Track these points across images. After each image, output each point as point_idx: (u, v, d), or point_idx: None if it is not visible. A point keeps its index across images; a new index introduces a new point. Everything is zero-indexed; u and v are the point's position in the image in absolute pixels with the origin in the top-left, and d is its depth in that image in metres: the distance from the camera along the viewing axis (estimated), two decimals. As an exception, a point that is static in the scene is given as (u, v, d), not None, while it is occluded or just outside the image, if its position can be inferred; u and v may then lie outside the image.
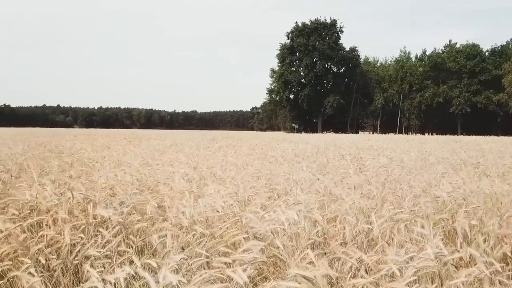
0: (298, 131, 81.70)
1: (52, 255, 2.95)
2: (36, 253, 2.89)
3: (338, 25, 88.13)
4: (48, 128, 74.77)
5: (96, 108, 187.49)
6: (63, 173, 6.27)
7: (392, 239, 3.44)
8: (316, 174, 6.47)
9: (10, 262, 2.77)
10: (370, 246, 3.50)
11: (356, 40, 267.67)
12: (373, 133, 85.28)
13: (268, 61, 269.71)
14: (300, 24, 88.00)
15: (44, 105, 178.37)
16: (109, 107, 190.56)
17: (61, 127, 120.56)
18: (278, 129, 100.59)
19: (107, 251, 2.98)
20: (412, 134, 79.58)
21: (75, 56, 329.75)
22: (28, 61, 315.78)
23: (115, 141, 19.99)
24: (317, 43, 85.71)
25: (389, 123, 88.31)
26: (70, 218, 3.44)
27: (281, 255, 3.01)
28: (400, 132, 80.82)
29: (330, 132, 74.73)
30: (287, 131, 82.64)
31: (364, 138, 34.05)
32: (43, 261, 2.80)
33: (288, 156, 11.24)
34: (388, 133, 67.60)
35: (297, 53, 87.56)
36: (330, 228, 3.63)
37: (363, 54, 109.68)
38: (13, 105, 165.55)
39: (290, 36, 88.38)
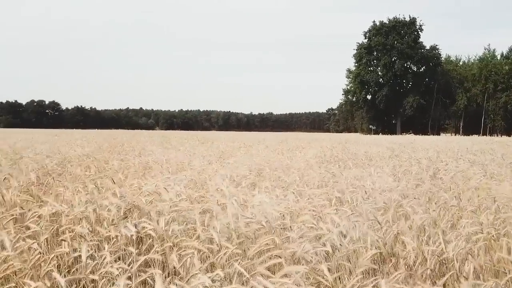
0: (376, 132, 79.44)
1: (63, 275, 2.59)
2: (46, 274, 2.54)
3: (417, 23, 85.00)
4: (130, 130, 77.62)
5: (176, 110, 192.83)
6: (116, 175, 6.02)
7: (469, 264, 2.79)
8: (387, 179, 5.83)
9: (13, 285, 2.43)
10: (441, 272, 2.88)
11: (437, 38, 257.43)
12: (455, 134, 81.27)
13: (345, 61, 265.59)
14: (378, 23, 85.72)
15: (128, 108, 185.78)
16: (189, 109, 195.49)
17: (143, 129, 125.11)
18: (355, 131, 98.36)
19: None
20: (497, 135, 74.93)
21: (159, 61, 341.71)
22: (114, 66, 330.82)
23: (187, 143, 20.05)
24: (395, 42, 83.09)
25: (472, 124, 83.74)
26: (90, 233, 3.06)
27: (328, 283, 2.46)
28: (484, 134, 76.45)
29: (410, 133, 71.86)
30: (364, 133, 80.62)
31: (445, 140, 32.27)
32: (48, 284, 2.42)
33: (359, 159, 10.58)
34: (471, 135, 64.07)
35: (375, 53, 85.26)
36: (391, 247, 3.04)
37: (443, 52, 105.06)
38: (99, 108, 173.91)
39: (367, 35, 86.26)
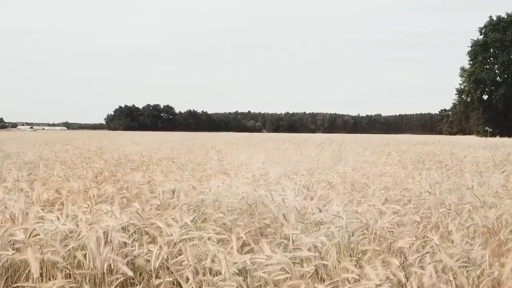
0: (492, 134, 74.04)
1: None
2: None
3: (539, 16, 78.09)
4: (237, 133, 79.42)
5: (283, 113, 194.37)
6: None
7: None
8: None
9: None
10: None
11: None
12: None
13: (458, 60, 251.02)
14: (494, 18, 79.97)
15: (237, 111, 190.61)
16: (295, 112, 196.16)
17: (250, 131, 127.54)
18: (470, 133, 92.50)
19: None
20: None
21: (266, 65, 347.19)
22: (225, 70, 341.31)
23: (284, 145, 19.95)
24: (515, 38, 77.01)
25: None
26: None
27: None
28: None
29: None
30: (479, 135, 75.51)
31: None
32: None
33: (467, 166, 9.71)
34: None
35: (491, 50, 79.64)
36: None
37: None
38: (209, 111, 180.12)
39: (483, 31, 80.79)
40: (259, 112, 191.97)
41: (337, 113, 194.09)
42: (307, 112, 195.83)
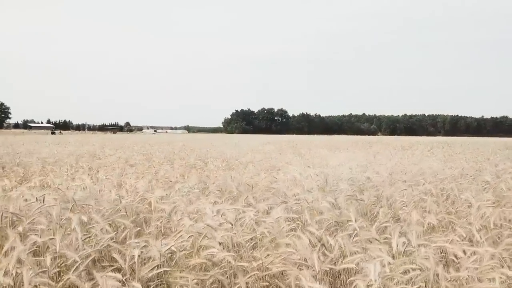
0: None
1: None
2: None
3: None
4: (347, 135, 77.85)
5: (400, 115, 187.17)
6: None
7: None
8: None
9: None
10: None
11: None
12: None
13: None
14: None
15: (351, 113, 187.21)
16: (413, 114, 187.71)
17: (365, 134, 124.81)
18: None
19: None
20: None
21: (381, 66, 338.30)
22: (338, 73, 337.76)
23: (394, 150, 18.68)
24: None
25: None
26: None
27: None
28: None
29: None
30: None
31: None
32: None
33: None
34: None
35: None
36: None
37: None
38: (323, 114, 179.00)
39: None
40: (374, 115, 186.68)
41: (459, 115, 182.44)
42: (426, 114, 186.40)
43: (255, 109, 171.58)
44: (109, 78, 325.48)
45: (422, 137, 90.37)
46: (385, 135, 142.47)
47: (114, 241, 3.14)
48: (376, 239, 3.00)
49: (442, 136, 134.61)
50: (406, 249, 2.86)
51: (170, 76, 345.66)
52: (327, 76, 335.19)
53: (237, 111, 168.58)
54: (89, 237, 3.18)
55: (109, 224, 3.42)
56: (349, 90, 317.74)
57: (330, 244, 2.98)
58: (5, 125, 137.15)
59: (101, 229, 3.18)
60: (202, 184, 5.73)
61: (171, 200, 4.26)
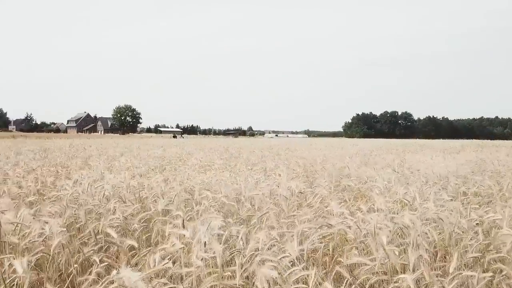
0: None
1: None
2: None
3: None
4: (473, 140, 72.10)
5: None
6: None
7: None
8: None
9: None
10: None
11: None
12: None
13: None
14: None
15: (482, 117, 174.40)
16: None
17: (497, 139, 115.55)
18: None
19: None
20: None
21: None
22: (468, 73, 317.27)
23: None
24: None
25: None
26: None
27: None
28: None
29: None
30: None
31: None
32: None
33: None
34: None
35: None
36: None
37: None
38: (451, 117, 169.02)
39: None
40: (508, 118, 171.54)
41: None
42: None
43: (377, 112, 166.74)
44: (236, 84, 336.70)
45: None
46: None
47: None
48: None
49: None
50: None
51: (293, 82, 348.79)
52: (455, 76, 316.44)
53: (358, 114, 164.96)
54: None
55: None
56: (480, 92, 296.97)
57: None
58: (138, 129, 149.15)
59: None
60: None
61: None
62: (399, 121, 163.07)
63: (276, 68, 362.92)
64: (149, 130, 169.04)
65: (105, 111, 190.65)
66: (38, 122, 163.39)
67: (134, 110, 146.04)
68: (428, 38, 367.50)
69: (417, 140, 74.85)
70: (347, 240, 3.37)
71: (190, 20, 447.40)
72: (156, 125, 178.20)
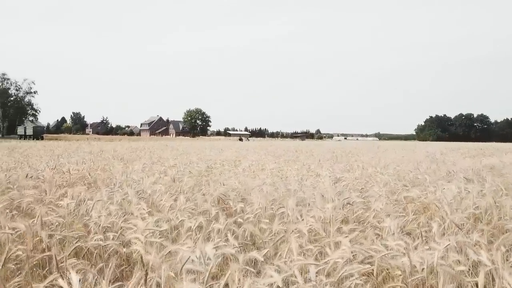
0: None
1: None
2: None
3: None
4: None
5: None
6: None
7: None
8: None
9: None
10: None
11: None
12: None
13: None
14: None
15: None
16: None
17: None
18: None
19: None
20: None
21: None
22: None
23: None
24: None
25: None
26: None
27: None
28: None
29: None
30: None
31: None
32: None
33: None
34: None
35: None
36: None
37: None
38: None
39: None
40: None
41: None
42: None
43: (452, 114, 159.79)
44: (305, 87, 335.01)
45: None
46: None
47: None
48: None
49: None
50: None
51: (363, 84, 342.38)
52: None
53: (431, 117, 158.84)
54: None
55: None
56: None
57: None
58: (208, 132, 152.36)
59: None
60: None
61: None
62: (475, 124, 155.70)
63: (346, 70, 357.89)
64: (218, 133, 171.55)
65: (178, 115, 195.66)
66: (114, 125, 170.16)
67: (204, 113, 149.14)
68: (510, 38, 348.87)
69: (494, 143, 70.74)
70: (392, 279, 2.47)
71: (253, 26, 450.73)
72: (225, 128, 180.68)
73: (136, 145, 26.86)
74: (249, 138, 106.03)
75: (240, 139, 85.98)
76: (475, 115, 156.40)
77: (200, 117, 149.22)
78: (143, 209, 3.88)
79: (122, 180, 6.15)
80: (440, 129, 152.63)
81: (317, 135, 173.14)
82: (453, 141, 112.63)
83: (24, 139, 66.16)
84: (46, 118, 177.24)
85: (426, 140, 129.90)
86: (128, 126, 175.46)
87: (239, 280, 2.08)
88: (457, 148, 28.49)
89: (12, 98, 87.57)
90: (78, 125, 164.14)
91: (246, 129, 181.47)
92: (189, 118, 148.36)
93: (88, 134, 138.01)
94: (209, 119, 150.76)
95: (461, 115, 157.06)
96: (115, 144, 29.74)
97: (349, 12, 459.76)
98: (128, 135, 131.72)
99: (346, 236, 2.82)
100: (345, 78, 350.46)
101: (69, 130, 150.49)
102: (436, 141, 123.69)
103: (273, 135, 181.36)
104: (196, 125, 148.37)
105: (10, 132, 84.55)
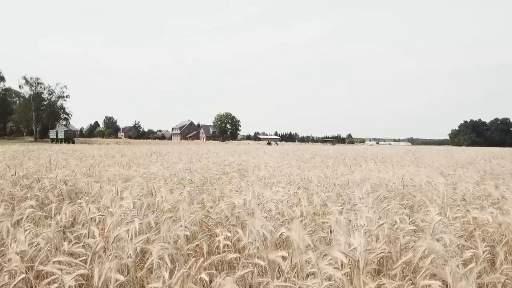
0: None
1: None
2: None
3: None
4: None
5: None
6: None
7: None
8: None
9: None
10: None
11: None
12: None
13: None
14: None
15: None
16: None
17: None
18: None
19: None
20: None
21: None
22: None
23: None
24: None
25: None
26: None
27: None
28: None
29: None
30: None
31: None
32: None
33: None
34: None
35: None
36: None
37: None
38: None
39: None
40: None
41: None
42: None
43: (487, 119, 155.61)
44: (336, 91, 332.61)
45: None
46: None
47: None
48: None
49: None
50: None
51: (396, 88, 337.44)
52: None
53: (465, 121, 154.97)
54: None
55: None
56: None
57: None
58: (238, 137, 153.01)
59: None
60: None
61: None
62: (511, 129, 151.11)
63: (378, 73, 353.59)
64: (248, 137, 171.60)
65: (208, 119, 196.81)
66: (146, 130, 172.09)
67: (234, 117, 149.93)
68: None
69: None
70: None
71: (282, 30, 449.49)
72: (255, 132, 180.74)
73: (148, 148, 26.63)
74: (277, 143, 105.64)
75: (269, 143, 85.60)
76: (511, 120, 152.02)
77: (230, 121, 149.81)
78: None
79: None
80: (475, 134, 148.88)
81: (349, 140, 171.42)
82: (488, 146, 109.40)
83: (55, 142, 67.37)
84: (80, 122, 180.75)
85: (460, 145, 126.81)
86: (160, 130, 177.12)
87: None
88: (501, 155, 26.24)
89: (45, 102, 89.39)
90: (110, 129, 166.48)
91: (276, 134, 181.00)
92: (219, 123, 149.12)
93: (120, 138, 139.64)
94: (239, 123, 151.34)
95: (496, 119, 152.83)
96: (131, 147, 29.61)
97: (378, 12, 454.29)
98: (159, 139, 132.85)
99: None
100: (378, 81, 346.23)
101: (101, 134, 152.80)
102: (471, 145, 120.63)
103: (304, 139, 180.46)
104: (226, 129, 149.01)
105: (43, 136, 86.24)
